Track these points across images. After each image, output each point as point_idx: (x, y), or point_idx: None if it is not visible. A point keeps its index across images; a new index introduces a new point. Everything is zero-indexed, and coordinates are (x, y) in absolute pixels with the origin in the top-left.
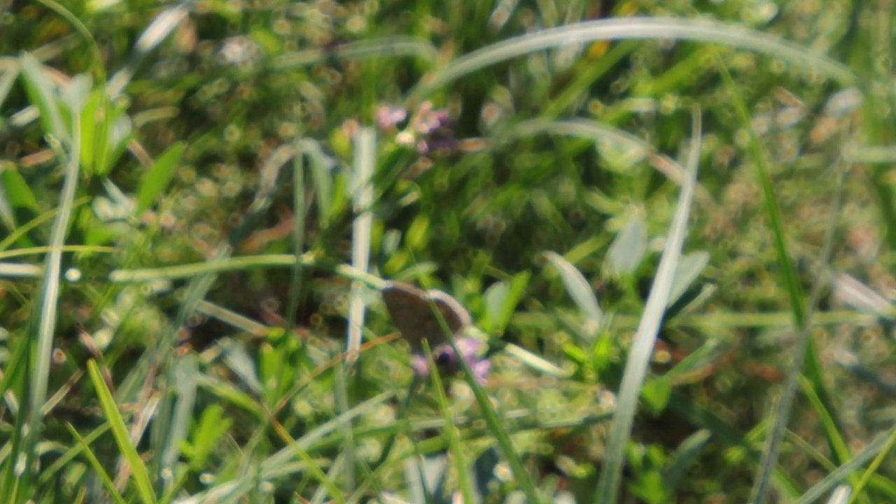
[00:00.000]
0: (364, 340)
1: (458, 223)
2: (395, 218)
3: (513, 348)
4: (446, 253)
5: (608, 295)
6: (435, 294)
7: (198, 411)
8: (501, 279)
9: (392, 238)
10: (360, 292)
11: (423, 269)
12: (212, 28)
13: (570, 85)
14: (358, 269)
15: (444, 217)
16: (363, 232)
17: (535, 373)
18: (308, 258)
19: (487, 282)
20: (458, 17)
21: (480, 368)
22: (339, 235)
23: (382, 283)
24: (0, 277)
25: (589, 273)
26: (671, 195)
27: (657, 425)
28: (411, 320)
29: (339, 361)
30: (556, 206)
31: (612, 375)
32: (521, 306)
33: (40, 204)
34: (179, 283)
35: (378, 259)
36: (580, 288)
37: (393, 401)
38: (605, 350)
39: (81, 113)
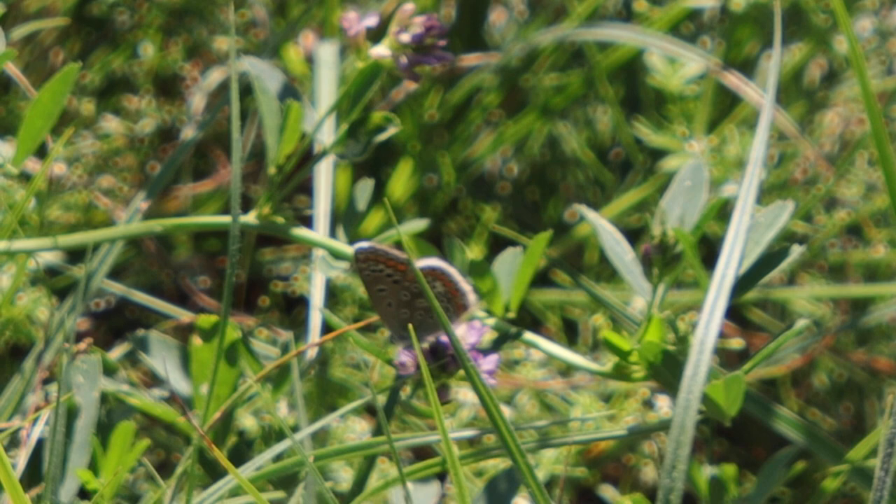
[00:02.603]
0: (329, 329)
1: (455, 167)
2: (370, 161)
3: (532, 336)
4: (439, 208)
5: (660, 261)
6: (429, 261)
7: (105, 429)
8: (515, 242)
9: (365, 188)
10: (322, 263)
11: (409, 230)
12: None
13: None
14: (319, 231)
15: (435, 159)
16: (325, 181)
17: (563, 369)
18: (250, 217)
19: (496, 246)
20: None
21: (488, 364)
22: (293, 186)
23: (355, 246)
24: None
25: (634, 232)
26: (744, 124)
27: (730, 438)
28: (394, 298)
29: (294, 357)
30: (588, 142)
31: (667, 371)
32: (541, 279)
33: None
34: (76, 256)
35: (346, 218)
36: (622, 252)
37: (369, 410)
38: (657, 336)
39: None
